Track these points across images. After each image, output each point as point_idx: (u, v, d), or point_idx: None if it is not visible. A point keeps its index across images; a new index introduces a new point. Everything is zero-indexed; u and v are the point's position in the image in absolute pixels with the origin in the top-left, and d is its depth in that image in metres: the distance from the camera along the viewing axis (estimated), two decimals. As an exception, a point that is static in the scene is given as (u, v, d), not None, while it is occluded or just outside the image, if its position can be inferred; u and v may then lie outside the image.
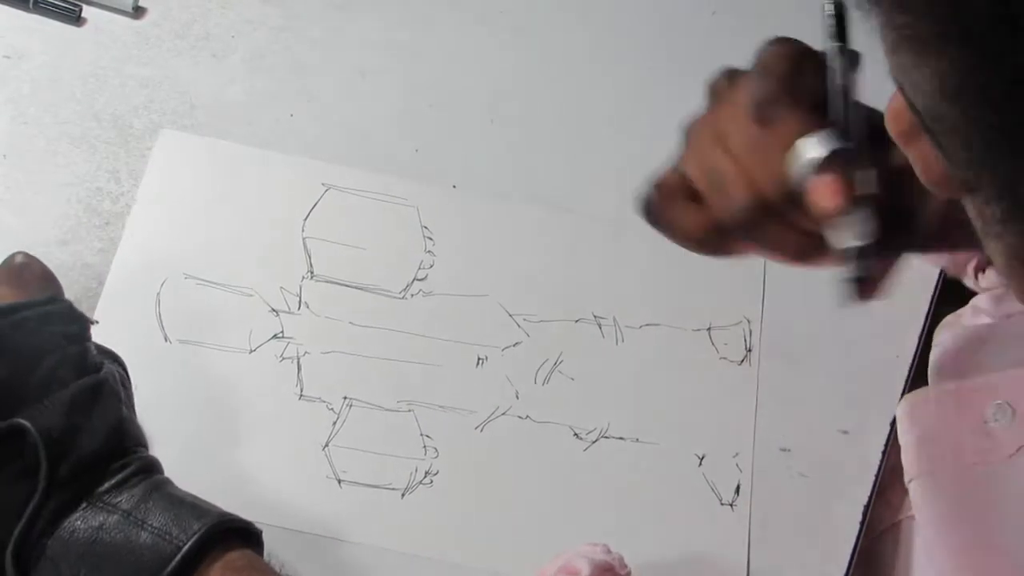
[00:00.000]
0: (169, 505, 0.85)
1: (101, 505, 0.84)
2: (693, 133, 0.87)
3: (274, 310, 1.06)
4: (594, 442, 1.04)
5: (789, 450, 1.06)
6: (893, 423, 1.04)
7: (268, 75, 1.18)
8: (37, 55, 1.17)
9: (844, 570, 1.01)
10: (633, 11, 1.24)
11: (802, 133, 0.80)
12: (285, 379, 1.04)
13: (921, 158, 0.62)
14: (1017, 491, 0.90)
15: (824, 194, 0.79)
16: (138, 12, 1.19)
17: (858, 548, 1.02)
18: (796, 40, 0.84)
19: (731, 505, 1.03)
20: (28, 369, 0.85)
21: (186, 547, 0.82)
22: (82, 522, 0.83)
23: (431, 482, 1.01)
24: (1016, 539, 0.88)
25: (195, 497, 0.87)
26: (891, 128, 0.63)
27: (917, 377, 1.06)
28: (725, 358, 1.08)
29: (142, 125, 1.14)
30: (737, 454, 1.05)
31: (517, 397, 1.05)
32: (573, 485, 1.03)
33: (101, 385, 0.87)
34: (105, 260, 1.07)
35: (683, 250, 0.89)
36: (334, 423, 1.03)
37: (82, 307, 1.00)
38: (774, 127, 0.81)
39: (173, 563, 0.81)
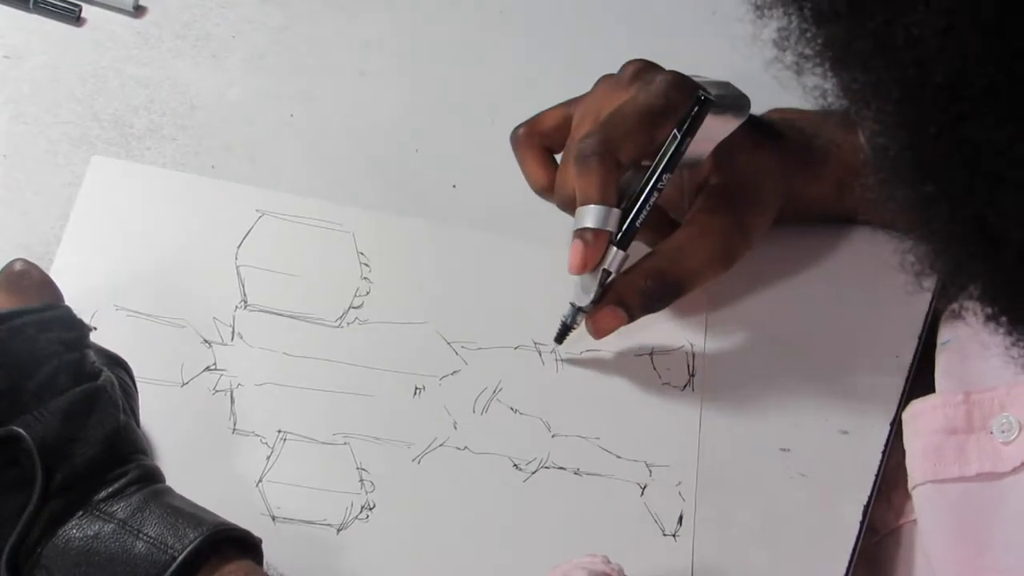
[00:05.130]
0: (166, 514, 0.84)
1: (97, 514, 0.84)
2: (598, 92, 1.06)
3: (207, 341, 1.04)
4: (534, 472, 1.03)
5: (789, 450, 1.05)
6: (893, 424, 1.04)
7: (268, 75, 1.18)
8: (37, 55, 1.16)
9: (844, 570, 1.00)
10: (634, 11, 1.24)
11: (595, 196, 0.98)
12: (218, 413, 1.02)
13: None
14: (1017, 507, 0.90)
15: (572, 256, 0.99)
16: (138, 11, 1.19)
17: (858, 549, 1.01)
18: (674, 85, 1.01)
19: (674, 536, 1.01)
20: (25, 376, 0.84)
21: (181, 557, 0.82)
22: (77, 531, 0.83)
23: (367, 517, 0.99)
24: (1013, 555, 0.89)
25: (195, 506, 0.87)
26: None
27: (917, 377, 1.06)
28: (668, 383, 1.06)
29: (142, 125, 1.13)
30: (680, 483, 1.03)
31: (455, 428, 1.03)
32: (513, 517, 1.01)
33: (98, 392, 0.87)
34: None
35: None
36: (268, 457, 1.01)
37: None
38: (587, 173, 0.98)
39: (167, 574, 0.82)
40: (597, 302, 1.01)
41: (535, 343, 1.07)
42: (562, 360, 1.06)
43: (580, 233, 0.99)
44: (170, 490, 0.88)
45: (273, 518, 0.99)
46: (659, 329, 1.08)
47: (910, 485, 0.97)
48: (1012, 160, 0.50)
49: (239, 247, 1.08)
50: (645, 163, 1.01)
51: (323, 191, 1.12)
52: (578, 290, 1.02)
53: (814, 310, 1.10)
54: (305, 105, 1.17)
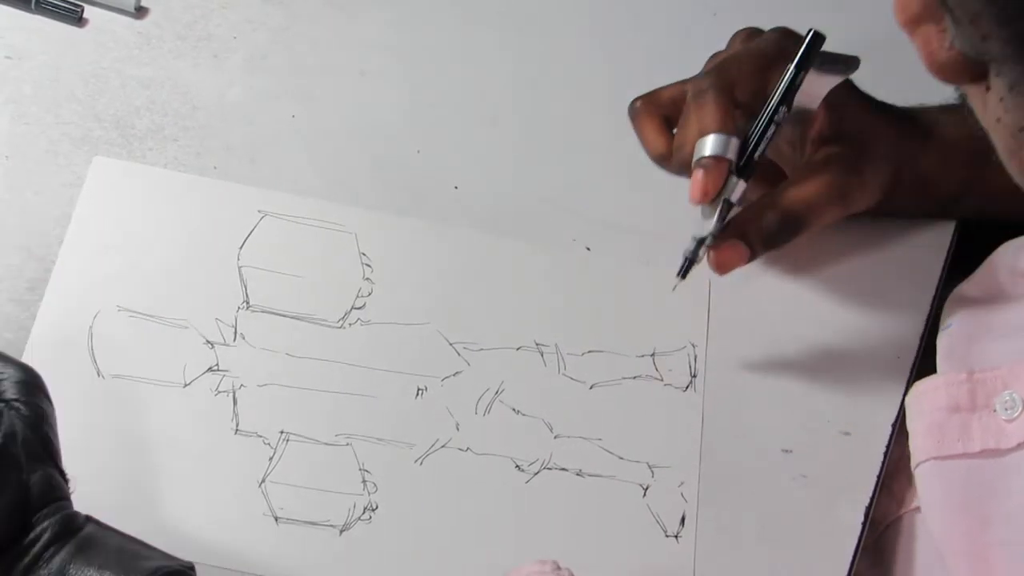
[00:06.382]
0: (94, 566, 0.81)
1: None
2: (713, 66, 1.07)
3: (209, 342, 1.04)
4: (536, 474, 1.02)
5: (791, 451, 1.05)
6: (895, 424, 1.05)
7: (269, 75, 1.18)
8: (38, 55, 1.16)
9: (846, 571, 1.01)
10: (634, 11, 1.24)
11: (713, 125, 1.01)
12: (220, 413, 1.02)
13: (925, 43, 0.74)
14: (1020, 483, 0.90)
15: (692, 185, 1.01)
16: (140, 12, 1.19)
17: (860, 549, 1.01)
18: (785, 35, 1.05)
19: (676, 537, 1.01)
20: None
21: None
22: None
23: (369, 518, 0.99)
24: (1016, 531, 0.89)
25: (123, 543, 0.84)
26: (898, 16, 0.74)
27: (919, 376, 1.05)
28: (670, 384, 1.07)
29: (143, 126, 1.13)
30: (682, 483, 1.03)
31: (457, 429, 1.03)
32: (515, 519, 1.01)
33: None
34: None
35: (626, 275, 1.11)
36: (270, 458, 1.01)
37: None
38: (704, 104, 1.01)
39: None
40: (718, 236, 1.02)
41: (537, 344, 1.07)
42: (676, 290, 1.05)
43: (699, 162, 1.00)
44: (94, 534, 0.84)
45: (276, 519, 0.99)
46: (661, 329, 1.08)
47: (913, 463, 0.97)
48: None
49: (241, 248, 1.08)
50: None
51: (324, 191, 1.12)
52: (699, 222, 1.02)
53: (815, 312, 1.10)
54: (306, 105, 1.17)
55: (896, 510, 1.03)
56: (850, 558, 1.01)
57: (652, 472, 1.03)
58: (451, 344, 1.06)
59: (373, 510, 1.00)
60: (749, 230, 1.03)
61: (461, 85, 1.20)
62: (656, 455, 1.04)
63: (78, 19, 1.17)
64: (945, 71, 0.74)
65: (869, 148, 1.07)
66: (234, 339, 1.05)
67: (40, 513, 0.82)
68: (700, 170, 1.00)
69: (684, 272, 1.04)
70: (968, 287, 1.05)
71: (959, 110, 1.11)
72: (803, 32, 1.01)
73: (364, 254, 1.09)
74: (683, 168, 1.05)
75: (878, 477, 1.03)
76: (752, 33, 1.08)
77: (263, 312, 1.06)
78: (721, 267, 1.03)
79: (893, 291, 1.11)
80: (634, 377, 1.07)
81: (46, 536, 0.81)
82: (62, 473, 0.86)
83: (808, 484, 1.04)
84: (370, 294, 1.08)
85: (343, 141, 1.15)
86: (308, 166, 1.14)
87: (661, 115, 1.08)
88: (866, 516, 1.02)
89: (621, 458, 1.03)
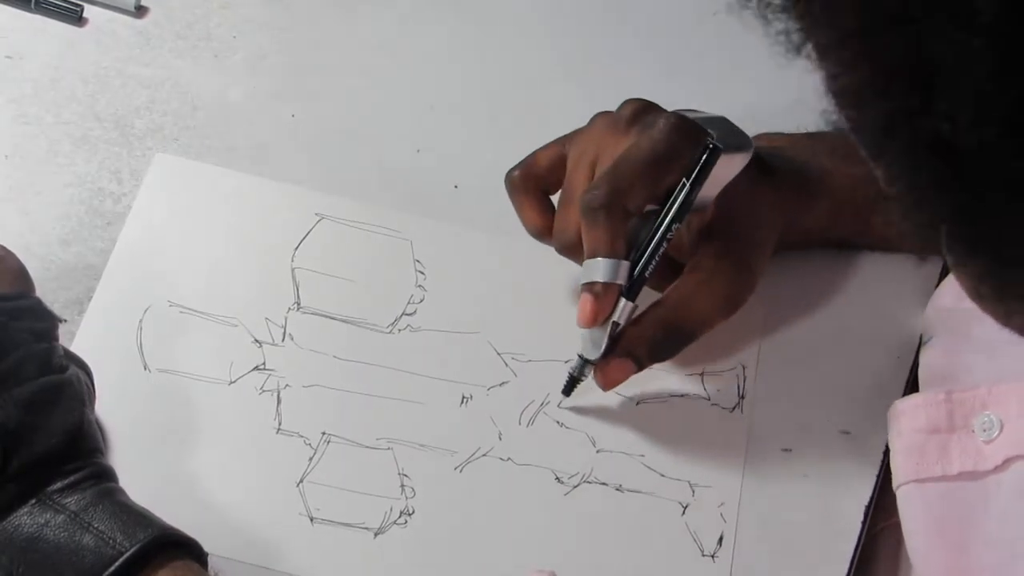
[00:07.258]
0: (118, 511, 0.85)
1: (50, 504, 0.84)
2: (594, 131, 1.03)
3: (257, 341, 1.05)
4: (576, 487, 1.02)
5: (790, 451, 1.04)
6: None
7: (270, 75, 1.19)
8: (39, 55, 1.17)
9: (845, 571, 1.00)
10: (634, 11, 1.23)
11: (604, 249, 0.96)
12: (264, 412, 1.02)
13: None
14: (1000, 506, 0.89)
15: (581, 310, 0.98)
16: (140, 12, 1.19)
17: (859, 548, 1.01)
18: (678, 129, 0.97)
19: (712, 556, 1.00)
20: None
21: (128, 553, 0.83)
22: (28, 518, 0.84)
23: (405, 522, 0.99)
24: (996, 554, 0.87)
25: (145, 509, 0.87)
26: None
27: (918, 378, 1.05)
28: (717, 404, 1.05)
29: (144, 125, 1.14)
30: (723, 504, 1.02)
31: (500, 438, 1.03)
32: (552, 531, 1.00)
33: (64, 385, 0.88)
34: (106, 261, 1.07)
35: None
36: (310, 459, 1.01)
37: (83, 307, 1.03)
38: (595, 226, 0.96)
39: (113, 567, 0.82)
40: (606, 354, 1.00)
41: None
42: (564, 408, 1.05)
43: (590, 287, 0.97)
44: (123, 491, 0.89)
45: (311, 519, 0.99)
46: (712, 349, 1.07)
47: (894, 485, 0.96)
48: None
49: (296, 249, 1.09)
50: (650, 207, 0.99)
51: (324, 191, 1.12)
52: (586, 343, 1.00)
53: (815, 310, 1.10)
54: (307, 105, 1.17)
55: (885, 518, 1.01)
56: (850, 558, 1.00)
57: (693, 491, 1.02)
58: (499, 354, 1.06)
59: (409, 515, 1.00)
60: (636, 347, 1.00)
61: (461, 85, 1.20)
62: (698, 474, 1.03)
63: (78, 19, 1.18)
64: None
65: (755, 234, 1.04)
66: (282, 339, 1.05)
67: (87, 450, 0.88)
68: (590, 296, 0.97)
69: (568, 390, 1.02)
70: (944, 293, 1.03)
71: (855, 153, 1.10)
72: (692, 113, 0.99)
73: (418, 261, 1.09)
74: (564, 250, 1.03)
75: (878, 477, 1.02)
76: (641, 110, 1.01)
77: (313, 314, 1.06)
78: (608, 384, 1.01)
79: (894, 290, 1.10)
80: (681, 395, 1.06)
81: (87, 470, 0.87)
82: None
83: (808, 483, 1.03)
84: (422, 301, 1.08)
85: (343, 141, 1.15)
86: (308, 166, 1.14)
87: (539, 189, 1.05)
88: (866, 516, 1.01)
89: (663, 475, 1.03)
